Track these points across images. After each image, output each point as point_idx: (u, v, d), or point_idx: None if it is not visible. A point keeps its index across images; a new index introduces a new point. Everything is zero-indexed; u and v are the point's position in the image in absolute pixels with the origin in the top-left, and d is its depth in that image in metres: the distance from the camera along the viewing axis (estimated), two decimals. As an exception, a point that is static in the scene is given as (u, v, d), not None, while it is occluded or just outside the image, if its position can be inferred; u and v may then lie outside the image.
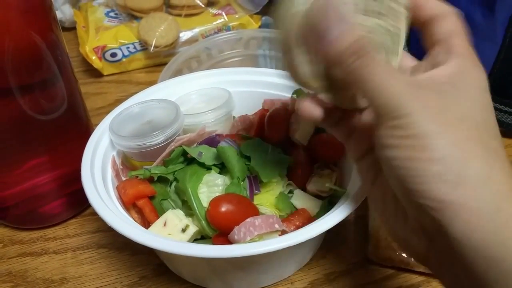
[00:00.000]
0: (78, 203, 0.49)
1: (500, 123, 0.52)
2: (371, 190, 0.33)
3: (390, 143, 0.27)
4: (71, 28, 0.83)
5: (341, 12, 0.27)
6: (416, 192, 0.26)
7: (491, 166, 0.25)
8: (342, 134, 0.35)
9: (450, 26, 0.30)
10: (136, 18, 0.77)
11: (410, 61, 0.33)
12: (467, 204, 0.24)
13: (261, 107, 0.48)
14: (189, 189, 0.38)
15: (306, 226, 0.33)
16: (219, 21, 0.78)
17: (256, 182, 0.40)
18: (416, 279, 0.41)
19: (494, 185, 0.25)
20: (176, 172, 0.41)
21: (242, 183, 0.40)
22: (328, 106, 0.31)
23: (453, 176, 0.25)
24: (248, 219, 0.35)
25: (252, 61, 0.69)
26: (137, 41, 0.74)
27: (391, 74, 0.27)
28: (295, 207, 0.41)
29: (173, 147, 0.42)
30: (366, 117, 0.33)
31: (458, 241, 0.25)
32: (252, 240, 0.34)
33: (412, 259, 0.41)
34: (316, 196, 0.42)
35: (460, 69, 0.28)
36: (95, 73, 0.75)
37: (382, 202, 0.31)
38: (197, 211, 0.37)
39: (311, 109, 0.32)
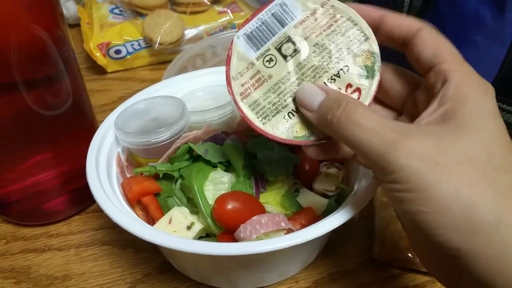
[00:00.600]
0: (82, 200, 0.49)
1: (508, 124, 0.51)
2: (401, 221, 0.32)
3: (394, 198, 0.26)
4: (75, 25, 0.83)
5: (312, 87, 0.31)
6: (434, 242, 0.25)
7: (502, 208, 0.24)
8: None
9: (430, 48, 0.29)
10: (141, 15, 0.77)
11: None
12: (484, 253, 0.24)
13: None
14: (195, 186, 0.38)
15: (313, 225, 0.33)
16: (224, 18, 0.78)
17: (262, 180, 0.40)
18: (421, 279, 0.41)
19: (508, 228, 0.24)
20: (181, 170, 0.41)
21: (248, 181, 0.39)
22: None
23: (465, 226, 0.24)
24: (255, 217, 0.35)
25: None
26: (142, 38, 0.74)
27: (376, 124, 0.27)
28: (301, 205, 0.40)
29: (178, 144, 0.41)
30: None
31: (484, 283, 0.25)
32: (258, 238, 0.34)
33: (418, 259, 0.41)
34: (322, 195, 0.41)
35: (459, 99, 0.27)
36: (99, 70, 0.74)
37: (410, 235, 0.31)
38: (203, 209, 0.37)
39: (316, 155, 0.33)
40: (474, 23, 0.47)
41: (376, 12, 0.32)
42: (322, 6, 0.32)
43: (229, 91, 0.34)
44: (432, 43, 0.29)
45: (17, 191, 0.45)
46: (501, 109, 0.50)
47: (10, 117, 0.40)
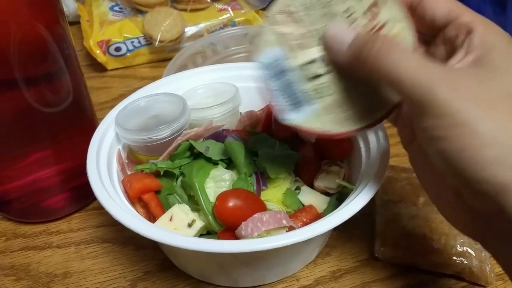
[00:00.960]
0: (82, 197, 0.49)
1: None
2: (423, 176, 0.32)
3: (436, 135, 0.26)
4: (75, 22, 0.82)
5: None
6: (476, 180, 0.25)
7: None
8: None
9: (443, 5, 0.29)
10: (141, 12, 0.77)
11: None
12: None
13: (268, 103, 0.47)
14: (196, 184, 0.38)
15: (315, 223, 0.33)
16: (224, 16, 0.78)
17: (263, 178, 0.40)
18: (422, 277, 0.41)
19: None
20: (182, 167, 0.41)
21: (249, 178, 0.39)
22: None
23: (511, 160, 0.24)
24: (256, 215, 0.35)
25: (258, 57, 0.68)
26: (142, 35, 0.74)
27: (417, 61, 0.26)
28: (302, 203, 0.40)
29: (179, 141, 0.41)
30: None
31: None
32: (259, 236, 0.34)
33: (419, 258, 0.41)
34: (324, 192, 0.41)
35: (486, 47, 0.27)
36: (99, 68, 0.74)
37: (434, 188, 0.31)
38: (204, 206, 0.37)
39: None
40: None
41: None
42: None
43: None
44: (442, 0, 0.29)
45: (17, 189, 0.45)
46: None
47: (10, 114, 0.40)
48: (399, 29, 0.30)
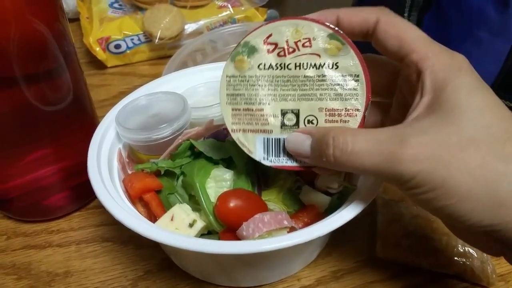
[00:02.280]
0: (83, 196, 0.49)
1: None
2: None
3: (418, 201, 0.27)
4: (75, 19, 0.82)
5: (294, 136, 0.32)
6: (469, 226, 0.26)
7: None
8: None
9: (393, 40, 0.29)
10: (140, 9, 0.77)
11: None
12: None
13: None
14: (197, 183, 0.38)
15: (316, 224, 0.33)
16: (224, 13, 0.77)
17: (264, 178, 0.40)
18: (424, 277, 0.41)
19: None
20: (183, 166, 0.40)
21: (250, 178, 0.39)
22: None
23: (489, 203, 0.25)
24: (257, 215, 0.35)
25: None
26: (142, 32, 0.73)
27: (372, 147, 0.27)
28: (303, 203, 0.40)
29: (180, 140, 0.41)
30: None
31: None
32: (261, 237, 0.34)
33: (420, 258, 0.41)
34: (325, 192, 0.41)
35: (438, 87, 0.27)
36: (99, 65, 0.74)
37: (449, 227, 0.32)
38: (205, 206, 0.37)
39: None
40: (477, 19, 0.47)
41: (330, 15, 0.31)
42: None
43: None
44: (393, 33, 0.29)
45: (18, 187, 0.45)
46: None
47: (10, 112, 0.40)
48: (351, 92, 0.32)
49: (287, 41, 0.32)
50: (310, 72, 0.32)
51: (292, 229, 0.36)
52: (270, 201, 0.39)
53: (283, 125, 0.33)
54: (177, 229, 0.36)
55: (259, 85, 0.33)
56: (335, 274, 0.42)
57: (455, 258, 0.40)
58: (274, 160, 0.34)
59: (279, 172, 0.40)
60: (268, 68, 0.33)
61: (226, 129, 0.43)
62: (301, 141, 0.32)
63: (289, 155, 0.34)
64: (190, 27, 0.76)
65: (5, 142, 0.42)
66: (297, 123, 0.33)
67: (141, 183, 0.39)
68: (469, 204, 0.25)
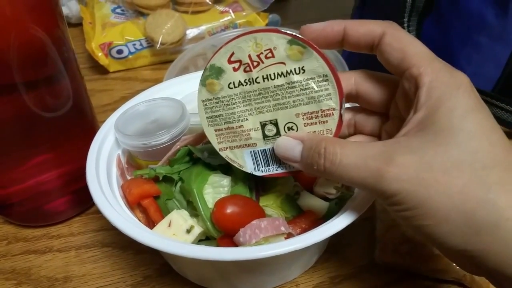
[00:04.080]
0: (83, 201, 0.49)
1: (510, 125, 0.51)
2: None
3: (397, 216, 0.28)
4: (78, 24, 0.83)
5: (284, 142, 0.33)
6: (446, 248, 0.27)
7: (497, 205, 0.25)
8: None
9: (396, 53, 0.29)
10: (142, 14, 0.77)
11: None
12: (491, 250, 0.25)
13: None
14: (194, 189, 0.38)
15: (314, 230, 0.33)
16: (226, 18, 0.78)
17: (262, 183, 0.40)
18: (422, 283, 0.41)
19: (509, 223, 0.25)
20: (181, 172, 0.40)
21: (247, 184, 0.39)
22: None
23: (466, 229, 0.25)
24: (254, 221, 0.35)
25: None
26: (144, 38, 0.74)
27: (360, 159, 0.28)
28: (301, 209, 0.40)
29: (178, 146, 0.41)
30: None
31: (497, 272, 0.26)
32: (257, 243, 0.34)
33: (419, 264, 0.40)
34: (323, 198, 0.41)
35: (432, 105, 0.27)
36: (101, 70, 0.74)
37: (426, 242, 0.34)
38: (202, 212, 0.37)
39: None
40: (477, 23, 0.47)
41: (337, 26, 0.31)
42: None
43: None
44: (397, 47, 0.29)
45: (18, 192, 0.45)
46: (504, 110, 0.49)
47: (10, 118, 0.40)
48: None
49: (249, 56, 0.32)
50: (279, 81, 0.32)
51: (289, 235, 0.36)
52: (268, 206, 0.39)
53: (265, 137, 0.34)
54: (175, 235, 0.36)
55: (233, 104, 0.34)
56: (334, 280, 0.42)
57: (454, 264, 0.40)
58: (264, 170, 0.35)
59: (277, 178, 0.40)
60: (238, 86, 0.33)
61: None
62: (291, 147, 0.32)
63: (278, 162, 0.34)
64: (191, 32, 0.76)
65: (6, 147, 0.42)
66: (278, 132, 0.34)
67: (139, 189, 0.39)
68: (445, 227, 0.25)
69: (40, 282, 0.43)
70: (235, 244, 0.35)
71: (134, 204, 0.39)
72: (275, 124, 0.33)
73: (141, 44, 0.74)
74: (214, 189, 0.39)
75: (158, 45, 0.72)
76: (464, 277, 0.39)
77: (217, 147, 0.35)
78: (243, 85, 0.33)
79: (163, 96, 0.46)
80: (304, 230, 0.37)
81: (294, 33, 0.31)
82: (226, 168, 0.41)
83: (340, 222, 0.33)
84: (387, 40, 0.29)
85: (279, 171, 0.35)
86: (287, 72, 0.32)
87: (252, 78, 0.33)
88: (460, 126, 0.26)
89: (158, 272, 0.43)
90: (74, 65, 0.44)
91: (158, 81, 0.50)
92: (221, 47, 0.33)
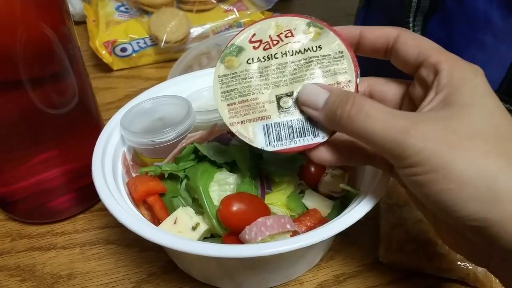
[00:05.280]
0: (87, 198, 0.49)
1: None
2: (422, 208, 0.33)
3: (415, 182, 0.27)
4: (81, 22, 0.83)
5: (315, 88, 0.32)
6: (460, 218, 0.26)
7: None
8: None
9: (413, 48, 0.31)
10: (146, 13, 0.77)
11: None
12: (510, 218, 0.25)
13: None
14: (200, 187, 0.38)
15: (319, 228, 0.33)
16: (230, 17, 0.78)
17: (267, 181, 0.40)
18: (427, 282, 0.41)
19: None
20: (187, 170, 0.41)
21: (253, 182, 0.39)
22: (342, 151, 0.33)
23: (487, 195, 0.25)
24: (260, 219, 0.35)
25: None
26: (148, 36, 0.74)
27: (385, 116, 0.27)
28: (306, 207, 0.40)
29: (184, 144, 0.41)
30: None
31: (509, 252, 0.25)
32: (263, 240, 0.34)
33: (424, 263, 0.41)
34: (328, 196, 0.41)
35: (454, 85, 0.28)
36: (105, 68, 0.74)
37: (433, 220, 0.32)
38: (208, 210, 0.37)
39: (324, 156, 0.33)
40: (482, 23, 0.47)
41: (353, 29, 0.33)
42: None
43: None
44: (413, 43, 0.31)
45: (22, 189, 0.45)
46: (509, 110, 0.49)
47: (16, 115, 0.40)
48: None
49: (270, 36, 0.34)
50: (297, 57, 0.34)
51: (295, 233, 0.36)
52: (273, 204, 0.39)
53: (280, 108, 0.34)
54: (180, 232, 0.36)
55: (250, 78, 0.34)
56: (338, 278, 0.42)
57: (458, 262, 0.40)
58: (276, 145, 0.34)
59: (283, 176, 0.40)
60: (257, 61, 0.34)
61: (230, 132, 0.44)
62: (317, 92, 0.32)
63: (290, 137, 0.33)
64: (195, 31, 0.76)
65: (11, 144, 0.42)
66: (293, 105, 0.34)
67: (145, 186, 0.39)
68: (466, 192, 0.25)
69: (44, 279, 0.43)
70: (241, 242, 0.35)
71: (140, 201, 0.39)
72: (291, 96, 0.33)
73: (145, 43, 0.74)
74: (220, 186, 0.39)
75: (162, 44, 0.72)
76: (468, 276, 0.39)
77: (228, 121, 0.34)
78: (261, 61, 0.34)
79: (168, 93, 0.46)
80: (309, 228, 0.37)
81: (312, 17, 0.34)
82: (232, 166, 0.41)
83: (345, 221, 0.33)
84: (402, 39, 0.31)
85: (292, 146, 0.33)
86: (305, 49, 0.34)
87: (271, 54, 0.34)
88: (482, 104, 0.27)
89: (163, 270, 0.43)
90: (79, 62, 0.44)
91: (162, 79, 0.50)
92: (242, 29, 0.35)
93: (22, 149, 0.43)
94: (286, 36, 0.34)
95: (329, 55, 0.33)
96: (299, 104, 0.33)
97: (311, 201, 0.40)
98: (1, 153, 0.42)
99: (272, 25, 0.34)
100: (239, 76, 0.34)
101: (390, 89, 0.34)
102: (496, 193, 0.25)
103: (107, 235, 0.47)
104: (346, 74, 0.33)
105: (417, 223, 0.42)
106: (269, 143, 0.34)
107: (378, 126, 0.27)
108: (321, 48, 0.33)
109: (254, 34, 0.34)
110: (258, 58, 0.34)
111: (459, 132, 0.26)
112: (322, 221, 0.38)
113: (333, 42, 0.33)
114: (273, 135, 0.33)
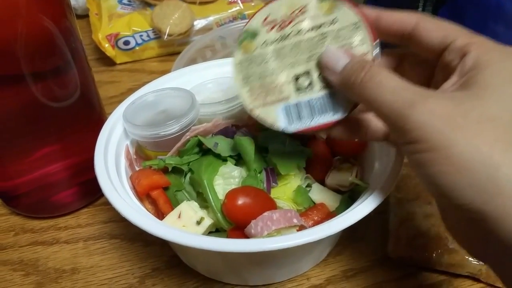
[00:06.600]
0: (90, 192, 0.48)
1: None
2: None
3: (415, 161, 0.26)
4: (84, 16, 0.82)
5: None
6: (458, 206, 0.25)
7: None
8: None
9: (437, 32, 0.29)
10: (149, 5, 0.76)
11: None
12: (510, 214, 0.23)
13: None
14: (205, 180, 0.37)
15: (326, 222, 0.32)
16: (234, 9, 0.77)
17: (273, 175, 0.39)
18: (437, 278, 0.40)
19: None
20: (191, 163, 0.40)
21: (259, 175, 0.38)
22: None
23: (487, 185, 0.23)
24: (266, 213, 0.34)
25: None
26: (151, 29, 0.73)
27: (396, 87, 0.27)
28: (313, 201, 0.39)
29: (188, 137, 0.41)
30: None
31: (506, 247, 0.24)
32: (269, 235, 0.33)
33: (433, 258, 0.40)
34: (335, 190, 0.40)
35: (479, 67, 0.26)
36: (108, 62, 0.74)
37: (441, 209, 0.30)
38: (213, 204, 0.36)
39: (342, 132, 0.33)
40: (494, 12, 0.46)
41: (370, 11, 0.32)
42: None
43: None
44: (436, 27, 0.29)
45: (25, 183, 0.45)
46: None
47: (18, 109, 0.40)
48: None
49: (282, 15, 0.34)
50: (312, 34, 0.33)
51: (301, 228, 0.35)
52: (279, 198, 0.39)
53: (298, 88, 0.33)
54: (185, 227, 0.36)
55: (267, 61, 0.34)
56: (346, 273, 0.41)
57: (470, 258, 0.39)
58: (298, 125, 0.33)
59: (289, 169, 0.40)
60: (272, 43, 0.34)
61: (234, 125, 0.43)
62: (338, 57, 0.31)
63: (311, 115, 0.33)
64: (199, 23, 0.75)
65: (13, 138, 0.41)
66: (311, 83, 0.33)
67: (149, 180, 0.38)
68: (466, 178, 0.24)
69: (47, 274, 0.42)
70: (246, 236, 0.35)
71: (143, 195, 0.39)
72: (309, 74, 0.33)
73: (148, 35, 0.73)
74: (225, 180, 0.38)
75: (165, 36, 0.71)
76: (480, 272, 0.38)
77: (249, 106, 0.34)
78: (277, 42, 0.34)
79: (172, 86, 0.46)
80: (316, 223, 0.37)
81: None
82: (237, 159, 0.40)
83: (353, 215, 0.32)
84: (424, 23, 0.30)
85: (313, 124, 0.33)
86: (319, 25, 0.33)
87: (286, 34, 0.34)
88: (504, 88, 0.25)
89: (167, 264, 0.42)
90: (82, 56, 0.43)
91: (165, 73, 0.49)
92: (255, 13, 0.35)
93: (25, 143, 0.42)
94: (298, 14, 0.34)
95: (344, 27, 0.32)
96: (319, 66, 0.33)
97: (318, 195, 0.40)
98: (4, 147, 0.42)
99: (284, 3, 0.34)
100: (257, 59, 0.34)
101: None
102: (497, 184, 0.23)
103: (111, 230, 0.46)
104: (363, 45, 0.32)
105: (426, 217, 0.41)
106: (291, 124, 0.33)
107: (386, 96, 0.27)
108: (336, 21, 0.33)
109: (267, 16, 0.34)
110: (273, 40, 0.34)
111: (468, 114, 0.24)
112: (330, 215, 0.37)
113: (347, 14, 0.32)
114: (293, 115, 0.33)
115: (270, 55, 0.34)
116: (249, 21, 0.35)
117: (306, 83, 0.33)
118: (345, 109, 0.32)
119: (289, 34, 0.34)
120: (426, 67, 0.32)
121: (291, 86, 0.33)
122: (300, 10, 0.33)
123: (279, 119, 0.33)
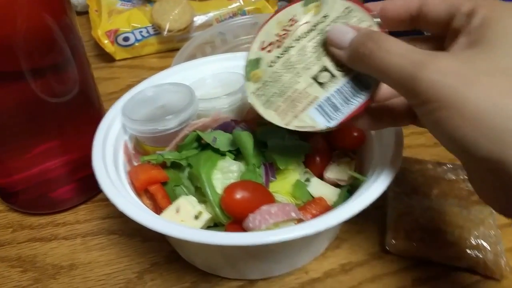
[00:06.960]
0: (89, 188, 0.48)
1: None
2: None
3: (430, 122, 0.26)
4: (84, 12, 0.82)
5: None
6: (477, 159, 0.25)
7: None
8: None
9: (444, 3, 0.29)
10: (149, 1, 0.76)
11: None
12: None
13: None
14: (203, 175, 0.37)
15: (324, 215, 0.32)
16: (234, 5, 0.77)
17: (272, 169, 0.39)
18: (435, 270, 0.40)
19: None
20: (189, 158, 0.40)
21: (257, 170, 0.38)
22: None
23: (503, 135, 0.23)
24: (264, 207, 0.34)
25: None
26: (150, 25, 0.73)
27: (403, 51, 0.27)
28: (312, 195, 0.39)
29: (186, 132, 0.40)
30: None
31: None
32: (267, 228, 0.33)
33: (432, 251, 0.40)
34: (334, 184, 0.40)
35: (486, 24, 0.26)
36: (107, 58, 0.74)
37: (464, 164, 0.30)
38: (211, 198, 0.36)
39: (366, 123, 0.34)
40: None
41: (376, 5, 0.32)
42: None
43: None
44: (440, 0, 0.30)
45: (23, 180, 0.45)
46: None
47: (17, 105, 0.40)
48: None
49: (276, 35, 0.35)
50: (311, 35, 0.34)
51: (300, 221, 0.35)
52: (278, 193, 0.39)
53: (321, 84, 0.33)
54: (183, 221, 0.36)
55: (280, 75, 0.34)
56: (344, 267, 0.41)
57: (468, 251, 0.39)
58: (337, 117, 0.33)
59: (288, 163, 0.39)
60: (278, 59, 0.34)
61: (234, 120, 0.43)
62: (345, 31, 0.31)
63: (346, 101, 0.33)
64: (199, 19, 0.75)
65: (12, 135, 0.41)
66: (332, 75, 0.33)
67: (147, 175, 0.38)
68: (482, 130, 0.24)
69: (45, 270, 0.42)
70: (244, 230, 0.35)
71: (141, 190, 0.39)
72: (326, 69, 0.33)
73: (147, 32, 0.73)
74: (223, 174, 0.38)
75: (165, 32, 0.71)
76: (478, 264, 0.38)
77: (282, 124, 0.34)
78: (281, 57, 0.34)
79: (171, 81, 0.45)
80: (314, 217, 0.36)
81: None
82: (236, 154, 0.40)
83: (352, 208, 0.32)
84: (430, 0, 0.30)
85: (351, 108, 0.32)
86: (314, 25, 0.34)
87: (287, 46, 0.34)
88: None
89: (166, 260, 0.42)
90: (81, 52, 0.43)
91: (164, 69, 0.49)
92: (251, 42, 0.36)
93: (23, 140, 0.42)
94: (290, 26, 0.34)
95: (339, 16, 0.33)
96: (327, 44, 0.33)
97: (317, 189, 0.39)
98: (2, 143, 0.42)
99: (273, 25, 0.35)
100: (270, 81, 0.35)
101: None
102: None
103: (109, 225, 0.46)
104: (364, 22, 0.32)
105: (425, 211, 0.41)
106: (330, 120, 0.33)
107: (395, 60, 0.27)
108: (328, 15, 0.33)
109: (262, 42, 0.35)
110: (277, 56, 0.35)
111: (479, 68, 0.25)
112: (328, 209, 0.37)
113: (335, 3, 0.33)
114: (329, 111, 0.33)
115: (280, 70, 0.34)
116: (247, 54, 0.36)
117: (327, 77, 0.33)
118: (371, 88, 0.32)
119: (290, 45, 0.34)
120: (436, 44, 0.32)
121: (314, 86, 0.33)
122: (290, 23, 0.34)
123: (317, 120, 0.33)
